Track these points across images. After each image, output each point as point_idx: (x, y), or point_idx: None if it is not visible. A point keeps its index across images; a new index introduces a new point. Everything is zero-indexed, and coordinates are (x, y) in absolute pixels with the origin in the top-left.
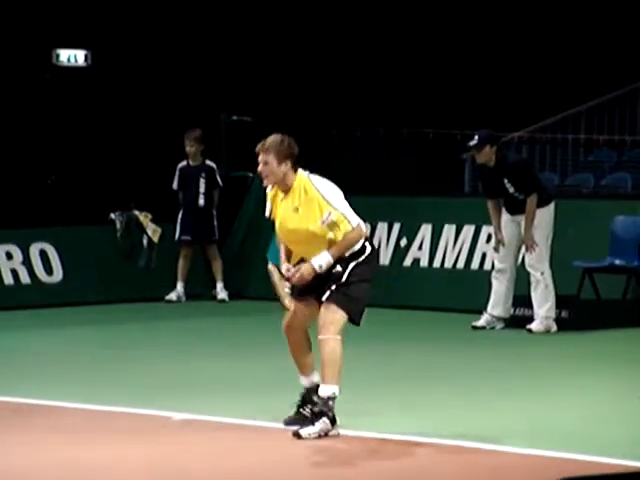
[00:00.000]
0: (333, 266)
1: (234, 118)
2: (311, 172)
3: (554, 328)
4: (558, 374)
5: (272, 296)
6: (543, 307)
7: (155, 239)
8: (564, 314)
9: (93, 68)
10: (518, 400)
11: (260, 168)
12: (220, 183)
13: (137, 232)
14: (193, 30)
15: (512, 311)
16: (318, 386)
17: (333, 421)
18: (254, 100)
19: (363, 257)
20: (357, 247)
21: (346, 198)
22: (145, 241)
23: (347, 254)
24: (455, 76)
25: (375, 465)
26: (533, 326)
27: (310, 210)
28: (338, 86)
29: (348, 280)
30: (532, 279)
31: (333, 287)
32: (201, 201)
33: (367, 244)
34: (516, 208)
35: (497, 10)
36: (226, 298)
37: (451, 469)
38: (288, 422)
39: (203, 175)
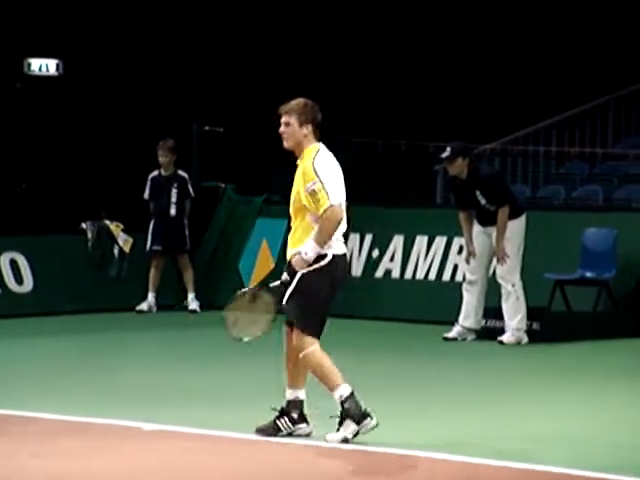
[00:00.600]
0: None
1: (206, 128)
2: (279, 184)
3: (525, 340)
4: (529, 386)
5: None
6: (514, 319)
7: (126, 249)
8: (535, 326)
9: (65, 77)
10: (491, 411)
11: (281, 129)
12: (192, 193)
13: (108, 242)
14: (165, 41)
15: (483, 323)
16: (300, 401)
17: (360, 419)
18: (226, 111)
19: (318, 265)
20: (323, 250)
21: None
22: (116, 251)
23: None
24: (428, 88)
25: (347, 476)
26: (504, 338)
27: (303, 175)
28: (310, 97)
29: (295, 288)
30: (503, 291)
31: (286, 297)
32: (172, 211)
33: (329, 251)
34: (488, 220)
35: (467, 25)
36: (197, 309)
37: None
38: (259, 430)
39: (175, 185)
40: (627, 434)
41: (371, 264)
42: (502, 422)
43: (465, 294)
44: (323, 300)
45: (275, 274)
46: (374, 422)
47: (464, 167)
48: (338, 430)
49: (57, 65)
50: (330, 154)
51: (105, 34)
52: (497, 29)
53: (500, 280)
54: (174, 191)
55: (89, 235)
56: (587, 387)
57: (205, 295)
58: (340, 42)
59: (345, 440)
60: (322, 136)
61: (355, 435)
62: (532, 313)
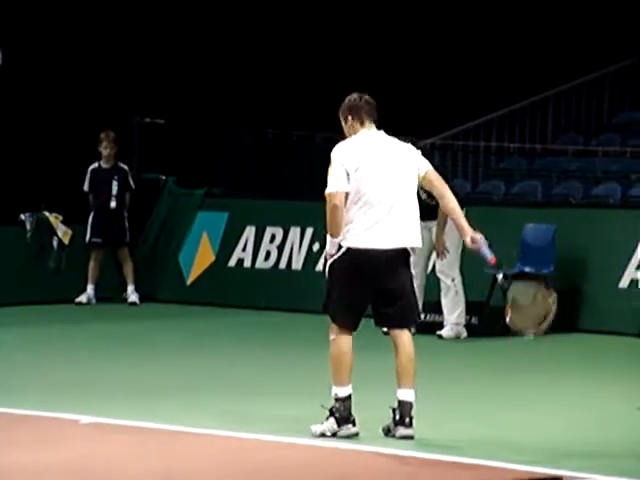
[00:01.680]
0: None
1: (147, 120)
2: (221, 177)
3: (464, 334)
4: (468, 380)
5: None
6: (453, 313)
7: (65, 241)
8: (474, 320)
9: (4, 67)
10: (432, 406)
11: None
12: (132, 186)
13: (47, 234)
14: (106, 32)
15: (422, 317)
16: (349, 396)
17: (341, 422)
18: (166, 102)
19: (337, 256)
20: (337, 240)
21: (258, 202)
22: (55, 243)
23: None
24: (368, 83)
25: (302, 473)
26: (444, 332)
27: None
28: (252, 88)
29: (327, 278)
30: (442, 285)
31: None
32: (113, 204)
33: (343, 242)
34: (428, 214)
35: (408, 19)
36: (137, 301)
37: (370, 474)
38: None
39: (116, 178)
40: (569, 426)
41: (311, 258)
42: (442, 418)
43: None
44: (344, 291)
45: (215, 267)
46: (354, 430)
47: None
48: (323, 422)
49: None
50: (370, 138)
51: (46, 24)
52: (438, 23)
53: (439, 274)
54: (115, 184)
55: (28, 226)
56: (526, 381)
57: (145, 287)
58: (282, 32)
59: (322, 434)
60: (265, 129)
61: (333, 435)
62: (471, 308)
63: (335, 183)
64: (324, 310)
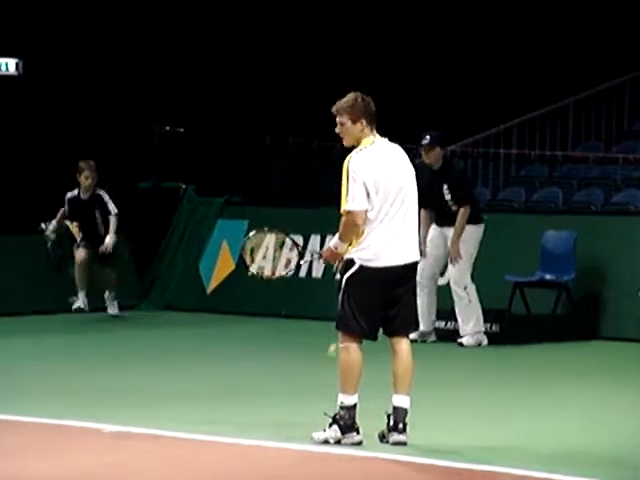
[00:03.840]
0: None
1: (167, 129)
2: (240, 185)
3: (485, 342)
4: (489, 387)
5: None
6: (469, 323)
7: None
8: (495, 328)
9: (25, 77)
10: (452, 412)
11: (337, 129)
12: (113, 210)
13: (67, 242)
14: (126, 41)
15: (443, 324)
16: (355, 405)
17: (345, 430)
18: (186, 111)
19: (350, 272)
20: (350, 255)
21: (278, 210)
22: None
23: (348, 254)
24: (389, 90)
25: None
26: (464, 340)
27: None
28: (271, 97)
29: (340, 291)
30: (455, 295)
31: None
32: (101, 231)
33: (358, 261)
34: (446, 219)
35: (429, 29)
36: (118, 312)
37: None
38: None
39: (96, 206)
40: (585, 434)
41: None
42: (466, 425)
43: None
44: (359, 304)
45: (236, 275)
46: (358, 438)
47: (439, 157)
48: (325, 430)
49: (17, 64)
50: (382, 148)
51: (66, 34)
52: (459, 32)
53: (452, 284)
54: (97, 212)
55: (48, 235)
56: (547, 388)
57: (165, 296)
58: (300, 41)
59: (326, 441)
60: (285, 137)
61: (337, 442)
62: (492, 315)
63: (357, 201)
64: (339, 324)
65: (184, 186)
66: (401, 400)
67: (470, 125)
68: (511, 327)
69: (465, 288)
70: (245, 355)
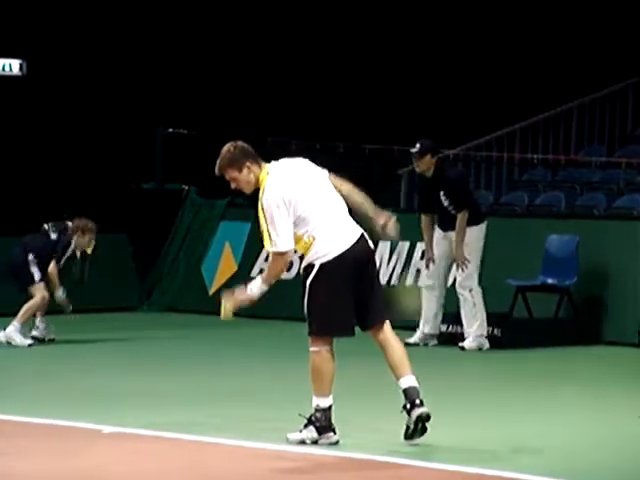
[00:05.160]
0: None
1: (170, 130)
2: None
3: (486, 345)
4: (490, 391)
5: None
6: (473, 326)
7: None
8: (496, 332)
9: (28, 78)
10: (450, 416)
11: (232, 186)
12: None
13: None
14: (129, 42)
15: (445, 328)
16: (330, 406)
17: (321, 431)
18: (190, 113)
19: (312, 274)
20: (304, 264)
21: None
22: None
23: (303, 267)
24: (392, 92)
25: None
26: (466, 344)
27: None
28: (273, 99)
29: (305, 296)
30: (460, 297)
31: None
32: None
33: (316, 262)
34: (449, 224)
35: (432, 32)
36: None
37: None
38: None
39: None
40: (586, 438)
41: None
42: (465, 428)
43: (423, 300)
44: (326, 303)
45: (238, 277)
46: (335, 438)
47: (431, 165)
48: (301, 431)
49: (20, 65)
50: (279, 169)
51: (69, 35)
52: (464, 36)
53: (457, 286)
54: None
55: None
56: (548, 393)
57: (167, 298)
58: (305, 43)
59: (302, 442)
60: (287, 139)
61: (314, 443)
62: (494, 319)
63: (285, 240)
64: (310, 329)
65: (187, 188)
66: (408, 381)
67: (473, 129)
68: (513, 331)
69: (470, 290)
70: (246, 358)
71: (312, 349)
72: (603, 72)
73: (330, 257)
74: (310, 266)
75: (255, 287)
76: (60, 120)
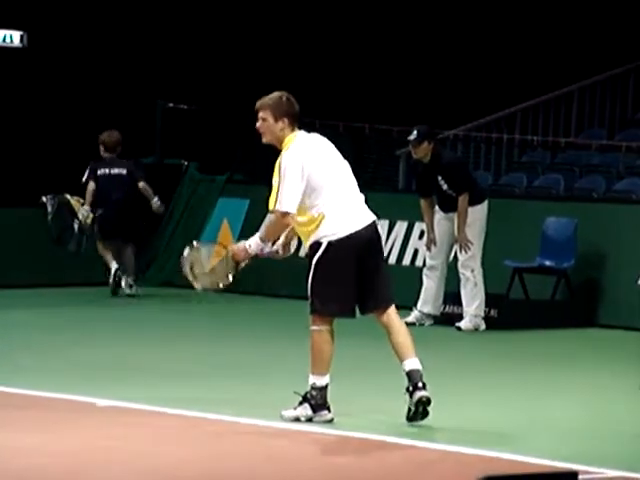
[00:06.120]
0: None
1: (170, 105)
2: (243, 164)
3: (483, 326)
4: (486, 372)
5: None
6: (472, 305)
7: (86, 224)
8: (493, 313)
9: (29, 49)
10: (446, 397)
11: (258, 125)
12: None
13: (68, 216)
14: (131, 16)
15: (442, 308)
16: (327, 385)
17: (316, 408)
18: (190, 88)
19: (319, 253)
20: (310, 241)
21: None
22: (76, 226)
23: (307, 248)
24: (392, 72)
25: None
26: (462, 324)
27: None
28: (274, 76)
29: (311, 275)
30: (462, 277)
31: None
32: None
33: (324, 239)
34: (449, 206)
35: (432, 12)
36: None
37: (377, 464)
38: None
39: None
40: (580, 420)
41: None
42: (459, 408)
43: (425, 279)
44: (329, 283)
45: None
46: (330, 416)
47: (428, 151)
48: (295, 409)
49: (21, 37)
50: (309, 141)
51: (70, 7)
52: (462, 16)
53: (459, 265)
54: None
55: (49, 209)
56: (543, 374)
57: (163, 273)
58: (306, 24)
59: (297, 419)
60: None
61: (308, 420)
62: (490, 300)
63: (289, 202)
64: (311, 307)
65: (186, 163)
66: (411, 363)
67: (473, 109)
68: (509, 312)
69: (472, 271)
70: (243, 335)
71: (312, 327)
72: (604, 55)
73: (338, 237)
74: (317, 244)
75: (253, 244)
76: (60, 93)
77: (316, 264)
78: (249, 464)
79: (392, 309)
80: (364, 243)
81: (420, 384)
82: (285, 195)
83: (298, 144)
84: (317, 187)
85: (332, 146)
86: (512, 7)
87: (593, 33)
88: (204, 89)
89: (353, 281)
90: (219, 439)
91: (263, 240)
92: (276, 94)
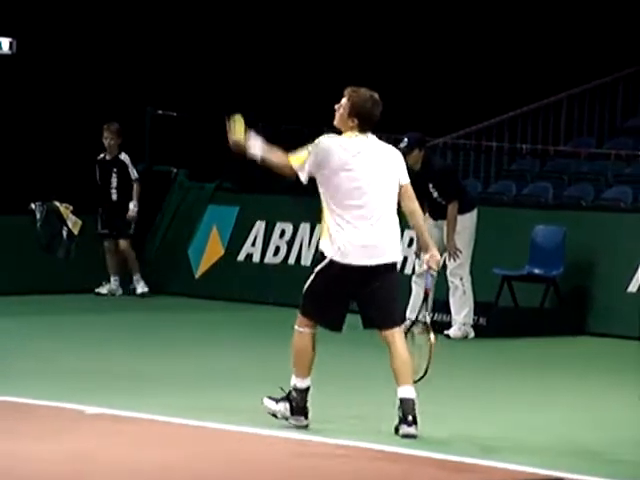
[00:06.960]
0: None
1: (159, 112)
2: (232, 171)
3: (472, 334)
4: (475, 380)
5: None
6: (460, 313)
7: (75, 231)
8: (482, 321)
9: (18, 56)
10: (434, 405)
11: (337, 105)
12: (133, 176)
13: (57, 223)
14: (119, 22)
15: (431, 316)
16: (308, 388)
17: (294, 411)
18: (179, 95)
19: (321, 265)
20: (320, 245)
21: (268, 197)
22: (65, 233)
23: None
24: (382, 80)
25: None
26: (451, 332)
27: None
28: (266, 83)
29: (308, 278)
30: (450, 285)
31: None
32: (114, 196)
33: (328, 255)
34: (439, 214)
35: (422, 21)
36: (145, 290)
37: (358, 472)
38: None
39: (115, 170)
40: (569, 428)
41: None
42: (448, 416)
43: (414, 287)
44: (323, 297)
45: (224, 261)
46: (305, 422)
47: (419, 159)
48: (277, 402)
49: (10, 44)
50: (361, 144)
51: (60, 14)
52: (453, 24)
53: (448, 273)
54: (114, 176)
55: (38, 216)
56: (531, 382)
57: (154, 280)
58: (291, 25)
59: (274, 415)
60: (278, 123)
61: (284, 419)
62: (479, 308)
63: (298, 160)
64: (300, 308)
65: (175, 170)
66: (405, 391)
67: (462, 117)
68: (498, 320)
69: (461, 279)
70: (231, 342)
71: (296, 327)
72: (593, 64)
73: (339, 260)
74: (323, 255)
75: (258, 149)
76: (49, 99)
77: (316, 273)
78: (233, 471)
79: (398, 331)
80: (365, 277)
81: (410, 418)
82: (301, 155)
83: (346, 142)
84: (337, 196)
85: (397, 157)
86: (502, 16)
87: (582, 42)
88: (193, 96)
89: (345, 302)
90: (204, 446)
91: (261, 155)
92: (366, 92)
